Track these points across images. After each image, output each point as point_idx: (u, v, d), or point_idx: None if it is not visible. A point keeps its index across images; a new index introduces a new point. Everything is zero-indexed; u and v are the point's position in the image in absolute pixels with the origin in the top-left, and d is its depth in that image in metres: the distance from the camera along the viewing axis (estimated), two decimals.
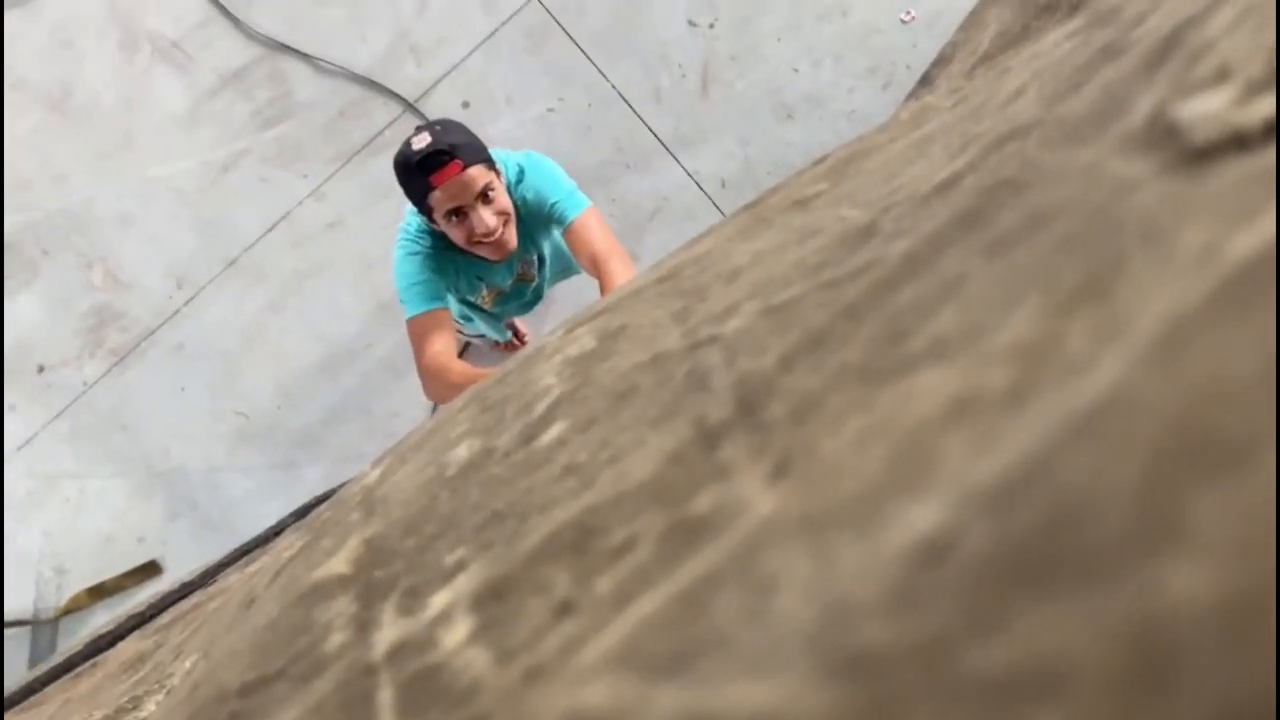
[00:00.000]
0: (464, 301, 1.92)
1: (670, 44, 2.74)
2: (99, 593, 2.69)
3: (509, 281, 1.88)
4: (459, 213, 1.57)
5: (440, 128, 1.56)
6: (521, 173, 1.72)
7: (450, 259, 1.73)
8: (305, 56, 2.71)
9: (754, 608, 0.26)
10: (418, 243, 1.71)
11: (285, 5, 2.72)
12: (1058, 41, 0.63)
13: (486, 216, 1.57)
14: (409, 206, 1.70)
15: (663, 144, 2.74)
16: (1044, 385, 0.25)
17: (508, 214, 1.63)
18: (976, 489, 0.23)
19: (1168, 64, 0.38)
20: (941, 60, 1.97)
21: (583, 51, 2.73)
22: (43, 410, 2.68)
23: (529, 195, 1.71)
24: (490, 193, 1.58)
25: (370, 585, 0.56)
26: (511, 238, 1.65)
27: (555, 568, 0.40)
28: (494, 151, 1.67)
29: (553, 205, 1.71)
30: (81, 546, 2.69)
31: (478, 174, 1.56)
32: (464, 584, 0.46)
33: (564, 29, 2.74)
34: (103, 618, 2.69)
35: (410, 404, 2.73)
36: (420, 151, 1.52)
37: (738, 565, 0.29)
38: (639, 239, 2.71)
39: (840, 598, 0.24)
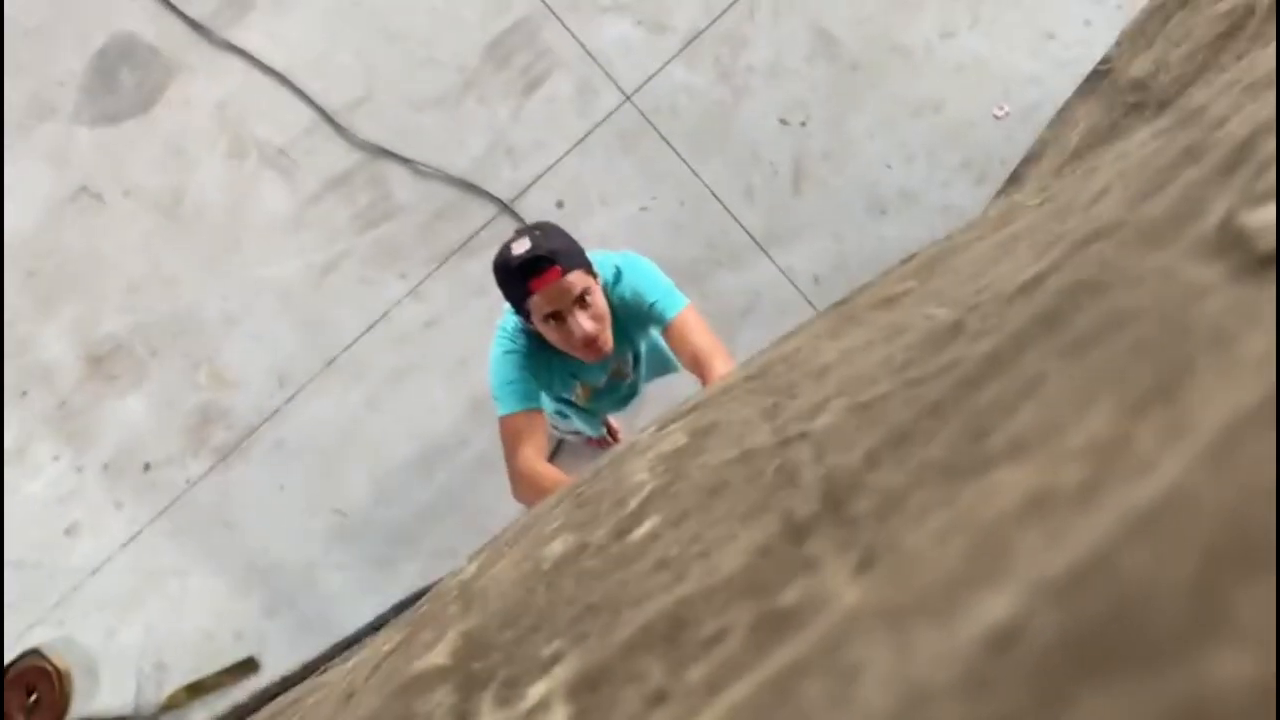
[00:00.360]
0: (559, 399, 1.92)
1: (762, 142, 2.76)
2: (197, 690, 2.71)
3: (603, 379, 1.89)
4: (557, 316, 1.58)
5: (540, 233, 1.58)
6: (619, 273, 1.74)
7: (546, 358, 1.73)
8: (405, 161, 2.78)
9: (838, 694, 0.27)
10: (514, 341, 1.72)
11: (386, 112, 2.80)
12: (1144, 140, 0.61)
13: (584, 321, 1.58)
14: (507, 305, 1.72)
15: (755, 241, 2.75)
16: (1112, 482, 0.26)
17: (604, 317, 1.63)
18: (1045, 580, 0.24)
19: (1241, 170, 0.38)
20: (1031, 157, 1.96)
21: (675, 151, 2.77)
22: (148, 507, 2.74)
23: (626, 295, 1.72)
24: (588, 297, 1.59)
25: (469, 676, 0.55)
26: (608, 340, 1.66)
27: (649, 658, 0.40)
28: (592, 253, 1.68)
29: (651, 305, 1.72)
30: (181, 642, 2.72)
31: (576, 279, 1.57)
32: (560, 674, 0.46)
33: (656, 129, 2.78)
34: (200, 715, 2.71)
35: (504, 500, 2.73)
36: (520, 257, 1.53)
37: (823, 654, 0.30)
38: (732, 336, 2.71)
39: (917, 684, 0.25)
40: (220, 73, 2.81)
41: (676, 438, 0.66)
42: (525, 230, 1.60)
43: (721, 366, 1.64)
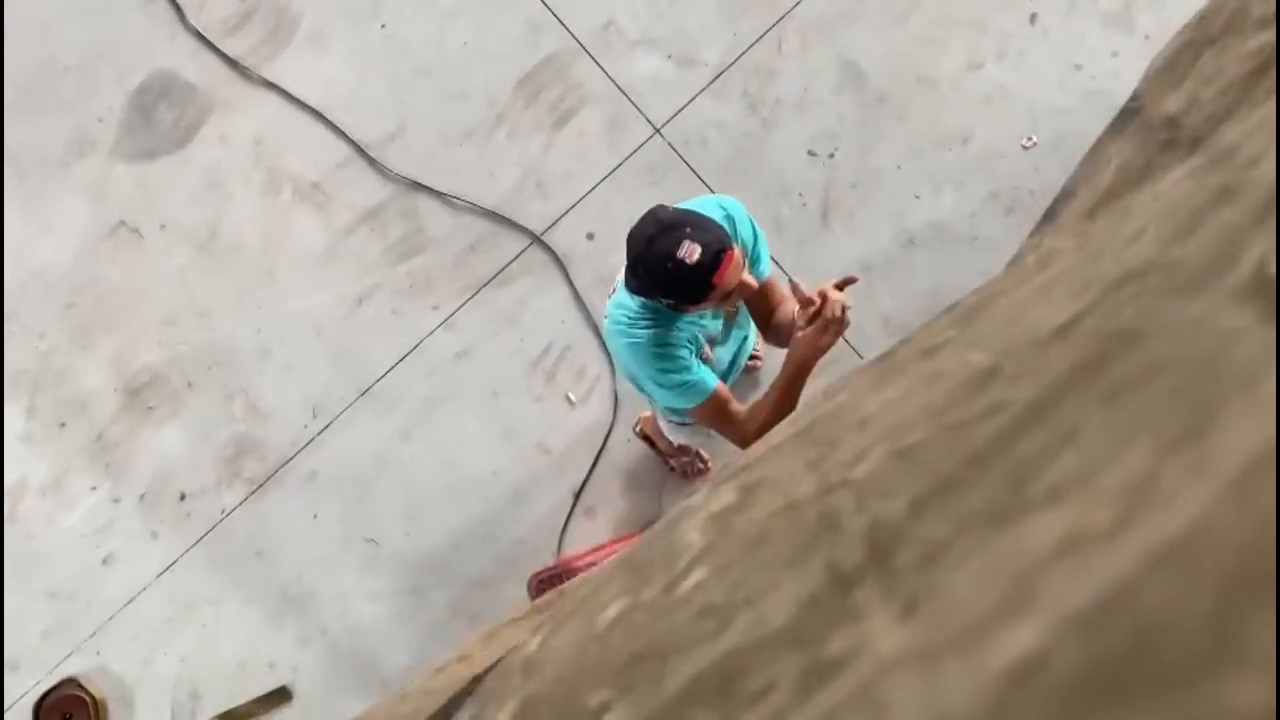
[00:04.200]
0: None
1: (790, 174, 2.78)
2: (231, 719, 2.73)
3: (720, 325, 1.91)
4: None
5: (692, 229, 1.57)
6: (730, 219, 1.77)
7: (674, 325, 1.76)
8: (437, 194, 2.81)
9: None
10: (652, 322, 1.73)
11: (418, 146, 2.83)
12: (1178, 180, 0.62)
13: (743, 278, 1.63)
14: (616, 296, 1.78)
15: (784, 271, 2.76)
16: (1139, 519, 0.26)
17: (742, 265, 1.66)
18: (1069, 613, 0.25)
19: (1275, 216, 0.38)
20: (1065, 195, 1.96)
21: (704, 183, 2.79)
22: (183, 537, 2.76)
23: (737, 236, 1.76)
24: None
25: None
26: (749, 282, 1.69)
27: (703, 710, 0.40)
28: (692, 204, 1.72)
29: (752, 247, 1.80)
30: (215, 672, 2.74)
31: (737, 249, 1.60)
32: None
33: (686, 161, 2.81)
34: None
35: (535, 531, 2.76)
36: (701, 261, 1.55)
37: (860, 697, 0.31)
38: (764, 367, 2.72)
39: (944, 716, 0.25)
40: (256, 109, 2.85)
41: (726, 497, 0.67)
42: (668, 229, 1.57)
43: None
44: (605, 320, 1.83)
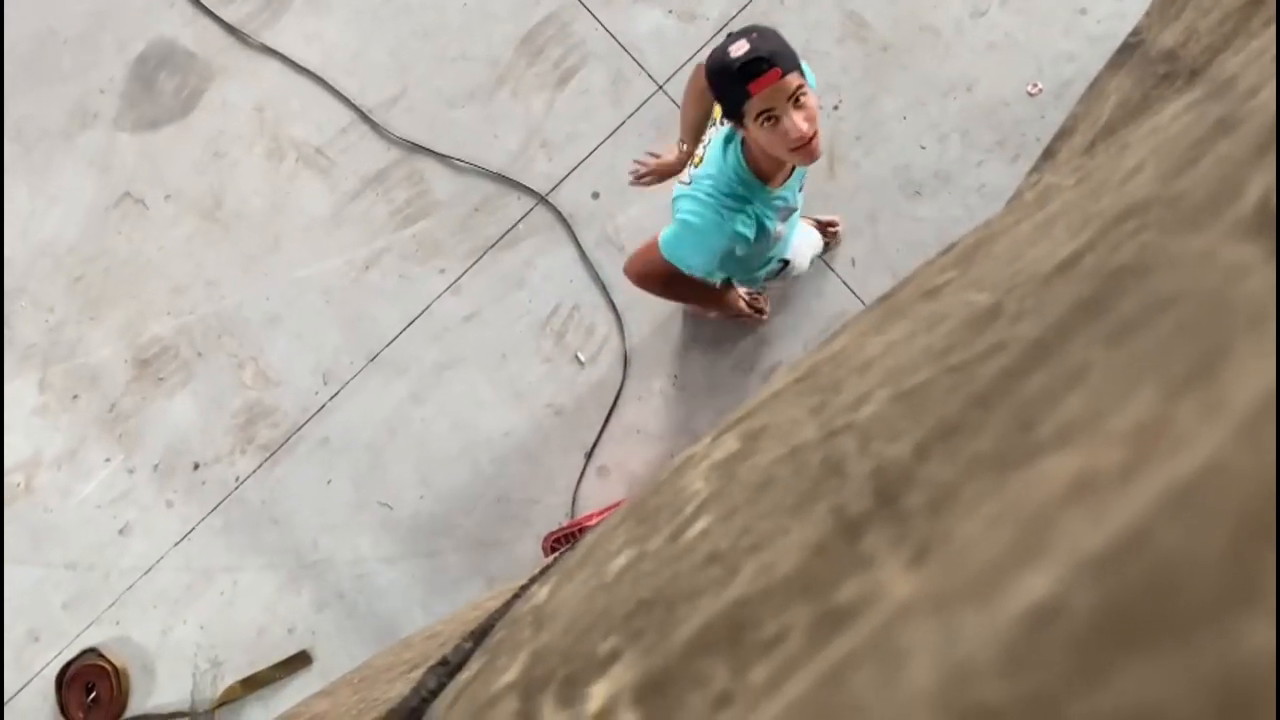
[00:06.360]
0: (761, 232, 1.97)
1: None
2: (252, 684, 2.75)
3: (799, 191, 1.93)
4: (771, 117, 1.60)
5: (757, 35, 1.59)
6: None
7: (748, 195, 1.78)
8: (441, 156, 2.81)
9: (886, 679, 0.29)
10: (729, 195, 1.76)
11: (421, 109, 2.82)
12: (1176, 113, 0.62)
13: (799, 121, 1.60)
14: (699, 170, 1.82)
15: None
16: (1152, 461, 0.26)
17: (816, 119, 1.65)
18: (1084, 557, 0.25)
19: (1274, 148, 0.38)
20: (1064, 132, 1.95)
21: None
22: (198, 506, 2.78)
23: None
24: (802, 97, 1.61)
25: (530, 683, 0.57)
26: (820, 143, 1.68)
27: (713, 661, 0.41)
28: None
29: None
30: (235, 638, 2.76)
31: (792, 79, 1.59)
32: (622, 675, 0.47)
33: None
34: (256, 709, 2.75)
35: (548, 491, 2.77)
36: (739, 59, 1.56)
37: (874, 644, 0.31)
38: (773, 317, 2.72)
39: (961, 662, 0.26)
40: (256, 75, 2.85)
41: (729, 444, 0.67)
42: (743, 33, 1.60)
43: None
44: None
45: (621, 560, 0.63)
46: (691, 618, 0.45)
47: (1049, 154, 1.97)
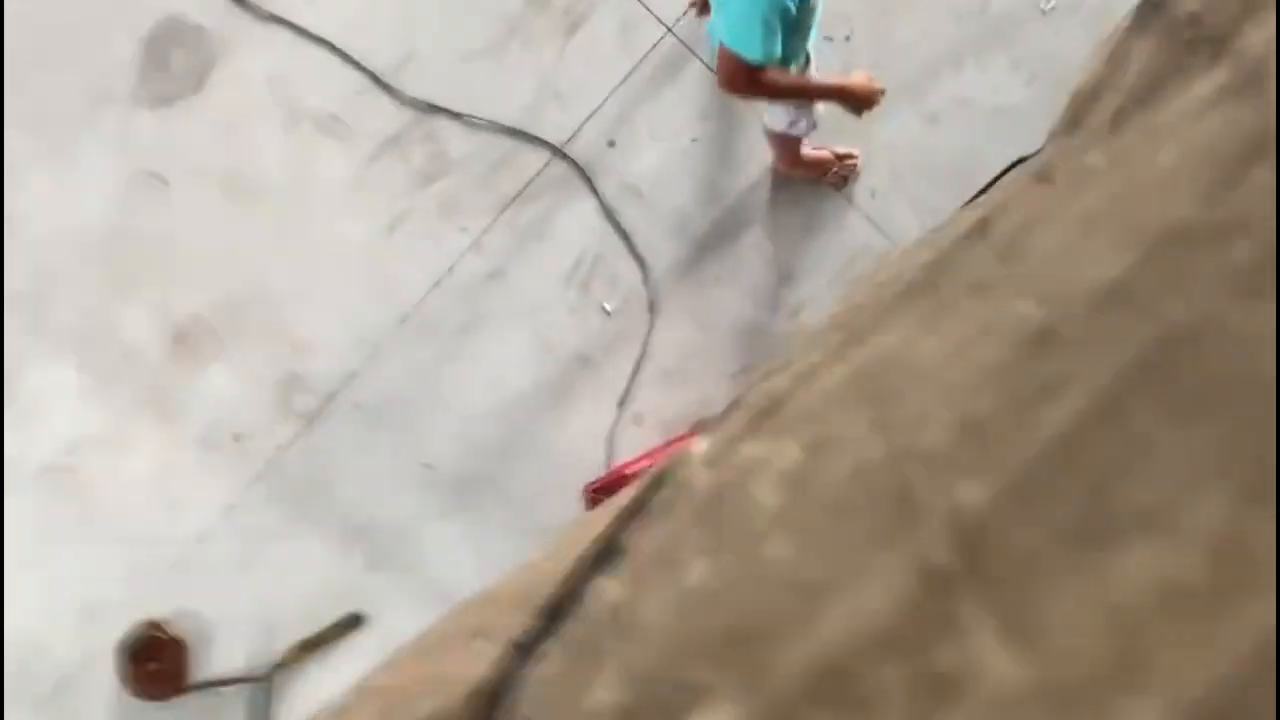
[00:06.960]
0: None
1: None
2: (309, 647, 2.81)
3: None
4: None
5: None
6: None
7: None
8: (455, 115, 2.81)
9: None
10: None
11: (433, 68, 2.82)
12: (1205, 101, 0.61)
13: None
14: None
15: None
16: (1234, 587, 0.27)
17: None
18: (1187, 704, 0.25)
19: None
20: (1088, 96, 1.92)
21: None
22: (242, 477, 2.82)
23: None
24: None
25: (628, 709, 0.57)
26: None
27: (814, 709, 0.41)
28: None
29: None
30: (288, 603, 2.82)
31: None
32: (721, 714, 0.46)
33: (699, 57, 2.78)
34: (313, 671, 2.81)
35: (585, 442, 2.80)
36: None
37: None
38: (795, 254, 2.73)
39: None
40: (266, 45, 2.84)
41: (791, 452, 0.65)
42: None
43: None
44: None
45: (696, 572, 0.63)
46: (785, 658, 0.45)
47: (1075, 120, 1.95)
